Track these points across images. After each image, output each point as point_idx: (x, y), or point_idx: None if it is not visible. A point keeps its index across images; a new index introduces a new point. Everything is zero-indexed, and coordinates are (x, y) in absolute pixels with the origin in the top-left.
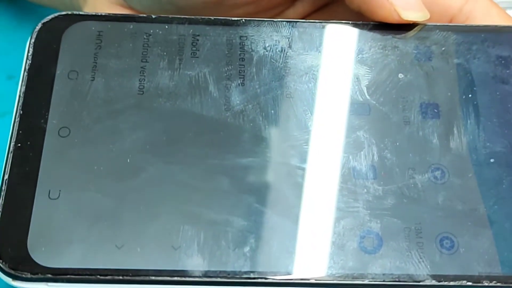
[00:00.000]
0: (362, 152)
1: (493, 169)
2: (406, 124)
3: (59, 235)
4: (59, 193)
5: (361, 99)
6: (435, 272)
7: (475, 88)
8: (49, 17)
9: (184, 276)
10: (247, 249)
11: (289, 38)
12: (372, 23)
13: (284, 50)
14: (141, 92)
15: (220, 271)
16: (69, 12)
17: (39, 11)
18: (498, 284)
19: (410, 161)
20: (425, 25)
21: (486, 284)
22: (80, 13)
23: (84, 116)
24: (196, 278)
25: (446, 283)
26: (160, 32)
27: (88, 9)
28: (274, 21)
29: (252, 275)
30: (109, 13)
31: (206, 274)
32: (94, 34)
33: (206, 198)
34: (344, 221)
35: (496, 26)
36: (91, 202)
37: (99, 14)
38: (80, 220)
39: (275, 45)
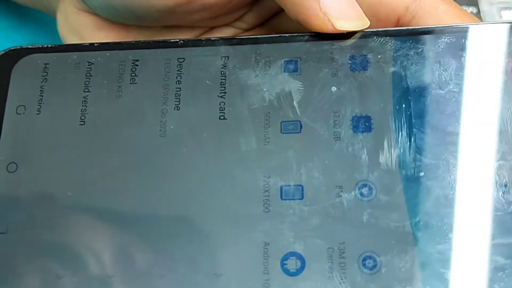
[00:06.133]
0: (290, 173)
1: (421, 184)
2: (337, 140)
3: (5, 269)
4: (7, 228)
5: (292, 116)
6: None
7: (409, 98)
8: (0, 52)
9: None
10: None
11: (226, 56)
12: (308, 34)
13: (220, 70)
14: (83, 123)
15: None
16: (18, 47)
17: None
18: None
19: (337, 179)
20: (362, 32)
21: None
22: (28, 46)
23: (30, 150)
24: None
25: None
26: (102, 60)
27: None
28: (211, 39)
29: None
30: (54, 44)
31: None
32: (40, 67)
33: (141, 227)
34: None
35: (436, 27)
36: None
37: (45, 46)
38: (27, 253)
39: (211, 65)
